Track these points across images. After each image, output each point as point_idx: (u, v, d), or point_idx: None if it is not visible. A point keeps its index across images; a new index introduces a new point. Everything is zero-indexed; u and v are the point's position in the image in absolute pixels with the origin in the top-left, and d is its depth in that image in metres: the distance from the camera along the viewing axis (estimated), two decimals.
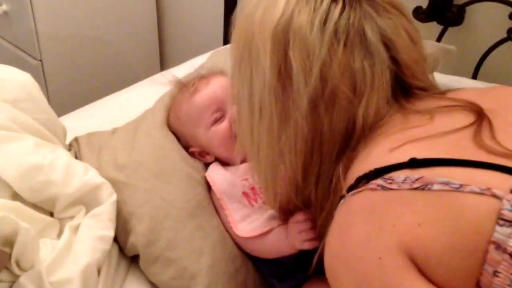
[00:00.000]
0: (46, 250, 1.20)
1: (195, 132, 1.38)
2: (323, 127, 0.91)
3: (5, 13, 2.41)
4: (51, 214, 1.31)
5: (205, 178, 1.35)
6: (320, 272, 1.20)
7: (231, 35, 1.01)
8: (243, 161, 1.33)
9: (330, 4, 0.89)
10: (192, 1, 2.74)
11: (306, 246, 1.14)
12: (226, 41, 2.42)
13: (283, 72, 0.91)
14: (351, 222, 0.81)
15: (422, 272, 0.73)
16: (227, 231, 1.28)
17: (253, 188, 1.29)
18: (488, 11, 1.78)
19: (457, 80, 1.76)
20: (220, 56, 1.73)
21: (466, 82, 1.76)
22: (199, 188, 1.32)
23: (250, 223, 1.25)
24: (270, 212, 1.25)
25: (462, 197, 0.71)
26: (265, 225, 1.23)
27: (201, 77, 1.44)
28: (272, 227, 1.22)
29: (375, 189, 0.78)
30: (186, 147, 1.41)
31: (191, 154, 1.40)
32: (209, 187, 1.33)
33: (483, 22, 1.81)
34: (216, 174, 1.34)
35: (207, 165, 1.39)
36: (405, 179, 0.76)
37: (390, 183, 0.77)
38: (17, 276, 1.13)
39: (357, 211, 0.81)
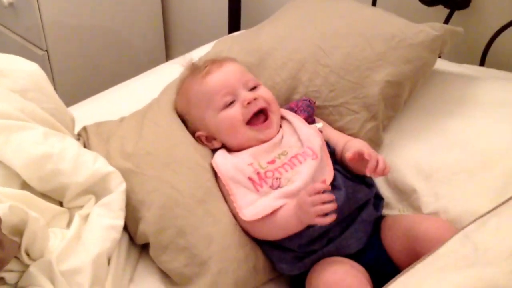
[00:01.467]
0: (56, 239, 1.20)
1: (204, 115, 1.38)
2: None
3: (11, 4, 2.41)
4: (61, 204, 1.31)
5: (211, 165, 1.35)
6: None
7: None
8: (247, 146, 1.35)
9: None
10: None
11: (318, 221, 1.12)
12: (230, 30, 2.41)
13: None
14: None
15: None
16: (234, 217, 1.28)
17: (258, 173, 1.29)
18: None
19: (464, 68, 1.76)
20: (224, 45, 1.72)
21: (474, 70, 1.75)
22: (208, 175, 1.32)
23: (255, 207, 1.25)
24: (275, 194, 1.25)
25: None
26: (269, 207, 1.23)
27: (213, 61, 1.43)
28: (275, 208, 1.22)
29: None
30: (193, 132, 1.41)
31: (198, 139, 1.40)
32: (216, 174, 1.33)
33: (490, 4, 1.79)
34: (221, 160, 1.34)
35: (214, 152, 1.38)
36: None
37: None
38: (27, 266, 1.13)
39: None
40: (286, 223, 1.20)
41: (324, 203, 1.13)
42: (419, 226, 1.21)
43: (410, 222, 1.25)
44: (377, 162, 1.22)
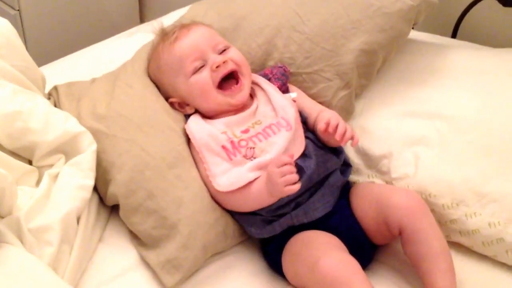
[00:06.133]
0: (25, 197, 1.19)
1: (175, 82, 1.37)
2: None
3: None
4: (30, 163, 1.29)
5: (184, 130, 1.34)
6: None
7: None
8: (222, 114, 1.34)
9: None
10: None
11: (287, 191, 1.13)
12: None
13: None
14: None
15: None
16: (206, 185, 1.28)
17: (232, 142, 1.28)
18: None
19: (437, 39, 1.77)
20: (199, 8, 1.70)
21: (446, 41, 1.77)
22: (179, 140, 1.31)
23: (229, 177, 1.25)
24: (249, 165, 1.25)
25: None
26: (244, 180, 1.23)
27: (181, 26, 1.41)
28: (250, 180, 1.22)
29: None
30: (166, 98, 1.39)
31: (171, 105, 1.38)
32: (189, 139, 1.32)
33: None
34: (195, 126, 1.33)
35: (187, 117, 1.37)
36: None
37: None
38: None
39: None
40: (258, 196, 1.21)
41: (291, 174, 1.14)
42: (390, 196, 1.23)
43: (380, 193, 1.27)
44: (345, 130, 1.24)
